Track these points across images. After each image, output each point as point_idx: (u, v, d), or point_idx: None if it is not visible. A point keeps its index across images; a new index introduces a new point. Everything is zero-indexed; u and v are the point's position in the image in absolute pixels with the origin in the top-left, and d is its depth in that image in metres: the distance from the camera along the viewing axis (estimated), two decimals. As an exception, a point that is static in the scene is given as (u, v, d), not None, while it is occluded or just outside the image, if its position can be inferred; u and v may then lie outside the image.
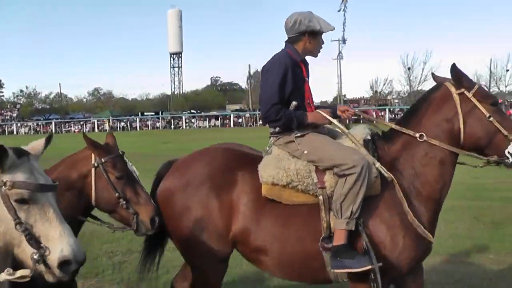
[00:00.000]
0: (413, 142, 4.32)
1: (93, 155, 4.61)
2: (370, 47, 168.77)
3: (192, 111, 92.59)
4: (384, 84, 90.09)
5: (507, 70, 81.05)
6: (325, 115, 4.43)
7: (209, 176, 4.45)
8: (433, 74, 4.76)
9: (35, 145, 3.36)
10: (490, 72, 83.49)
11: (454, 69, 4.28)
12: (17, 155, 3.09)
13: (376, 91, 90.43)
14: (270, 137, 4.58)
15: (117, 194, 4.50)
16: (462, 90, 4.28)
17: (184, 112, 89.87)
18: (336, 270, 4.10)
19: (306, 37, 4.47)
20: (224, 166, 4.49)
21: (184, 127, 76.75)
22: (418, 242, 4.22)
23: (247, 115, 78.86)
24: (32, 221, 3.02)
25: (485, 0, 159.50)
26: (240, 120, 76.95)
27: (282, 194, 4.27)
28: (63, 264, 2.95)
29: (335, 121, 4.46)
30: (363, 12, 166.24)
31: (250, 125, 72.48)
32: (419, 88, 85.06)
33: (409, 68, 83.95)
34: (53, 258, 2.94)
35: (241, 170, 4.45)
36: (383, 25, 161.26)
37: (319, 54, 4.65)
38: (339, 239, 4.08)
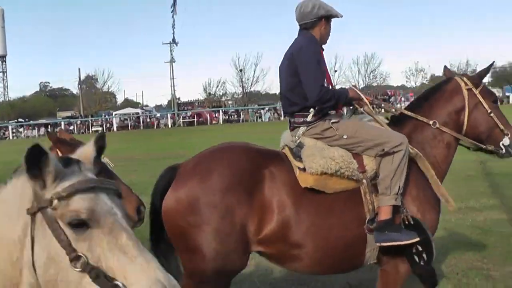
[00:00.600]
0: (421, 127, 4.69)
1: (60, 154, 4.02)
2: (202, 50, 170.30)
3: (19, 119, 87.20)
4: (218, 86, 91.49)
5: (336, 71, 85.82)
6: (359, 92, 4.74)
7: (236, 177, 4.18)
8: (445, 67, 5.21)
9: (84, 151, 2.40)
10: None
11: (489, 68, 4.98)
12: (64, 163, 2.20)
13: (210, 93, 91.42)
14: (294, 129, 4.57)
15: None
16: (471, 86, 4.75)
17: (10, 121, 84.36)
18: (383, 244, 4.20)
19: (322, 22, 4.60)
20: (249, 164, 4.28)
21: (10, 137, 72.26)
22: (438, 216, 4.58)
23: (79, 121, 76.13)
24: (97, 252, 2.05)
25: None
26: (71, 127, 73.98)
27: (328, 182, 4.25)
28: None
29: (366, 99, 4.72)
30: (195, 14, 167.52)
31: (82, 132, 70.06)
32: (251, 89, 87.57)
33: (241, 70, 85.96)
34: None
35: (266, 166, 4.28)
36: (215, 27, 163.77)
37: (327, 41, 4.80)
38: (386, 214, 4.22)
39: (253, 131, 40.55)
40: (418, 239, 4.17)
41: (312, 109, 4.43)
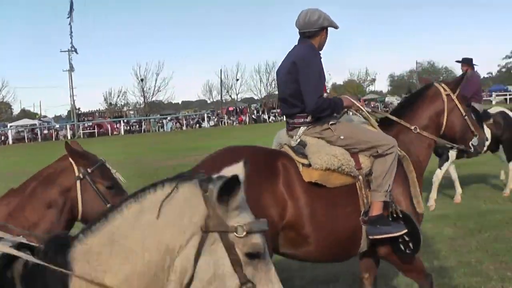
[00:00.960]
0: (407, 129, 5.14)
1: (75, 166, 4.23)
2: (102, 58, 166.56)
3: None
4: (119, 96, 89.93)
5: (237, 80, 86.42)
6: (354, 100, 5.10)
7: (256, 173, 4.19)
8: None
9: (235, 172, 2.40)
10: (221, 81, 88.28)
11: (465, 76, 5.79)
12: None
13: (111, 104, 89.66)
14: (294, 129, 4.92)
15: (108, 205, 3.93)
16: (449, 92, 5.31)
17: None
18: (375, 237, 4.63)
19: (324, 32, 4.98)
20: (264, 161, 4.62)
21: None
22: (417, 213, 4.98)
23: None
24: (256, 280, 2.30)
25: (204, 17, 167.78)
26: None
27: (330, 177, 4.60)
28: None
29: (361, 106, 5.14)
30: (94, 21, 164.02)
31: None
32: (153, 99, 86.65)
33: (142, 80, 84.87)
34: None
35: (279, 162, 4.63)
36: (113, 36, 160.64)
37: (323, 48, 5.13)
38: (377, 210, 4.62)
39: (156, 141, 40.26)
40: (406, 230, 4.62)
41: None
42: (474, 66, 11.60)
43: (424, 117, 5.22)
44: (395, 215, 4.67)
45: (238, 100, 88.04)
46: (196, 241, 2.26)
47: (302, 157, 4.65)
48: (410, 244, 4.70)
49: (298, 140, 4.82)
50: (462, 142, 5.39)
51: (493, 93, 70.66)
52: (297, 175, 4.58)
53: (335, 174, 4.61)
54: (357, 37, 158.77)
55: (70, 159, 4.27)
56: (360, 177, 4.71)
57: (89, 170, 4.24)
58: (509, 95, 67.72)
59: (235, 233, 2.25)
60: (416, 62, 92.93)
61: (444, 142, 5.46)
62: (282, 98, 5.11)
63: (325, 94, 4.95)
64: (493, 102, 63.46)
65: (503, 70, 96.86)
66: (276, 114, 68.90)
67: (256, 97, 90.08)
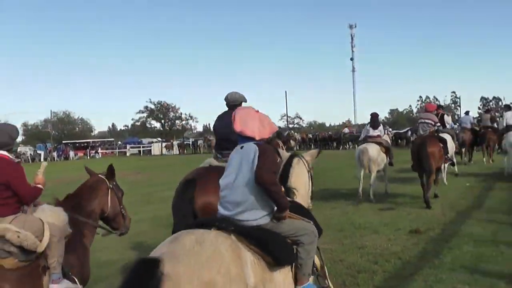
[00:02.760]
0: None
1: (107, 180, 6.16)
2: None
3: None
4: None
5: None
6: None
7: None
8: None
9: (312, 153, 5.96)
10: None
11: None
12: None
13: None
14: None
15: (121, 206, 6.26)
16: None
17: None
18: None
19: (241, 104, 7.51)
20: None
21: None
22: None
23: None
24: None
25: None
26: None
27: None
28: None
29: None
30: None
31: None
32: None
33: None
34: None
35: None
36: None
37: None
38: None
39: None
40: None
41: None
42: None
43: None
44: None
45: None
46: (308, 174, 5.65)
47: None
48: None
49: None
50: None
51: (128, 145, 74.27)
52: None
53: None
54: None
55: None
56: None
57: (114, 183, 6.24)
58: (143, 147, 70.97)
59: (311, 170, 5.70)
60: (51, 112, 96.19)
61: None
62: (225, 138, 7.01)
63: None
64: (128, 154, 68.00)
65: (137, 123, 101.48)
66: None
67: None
